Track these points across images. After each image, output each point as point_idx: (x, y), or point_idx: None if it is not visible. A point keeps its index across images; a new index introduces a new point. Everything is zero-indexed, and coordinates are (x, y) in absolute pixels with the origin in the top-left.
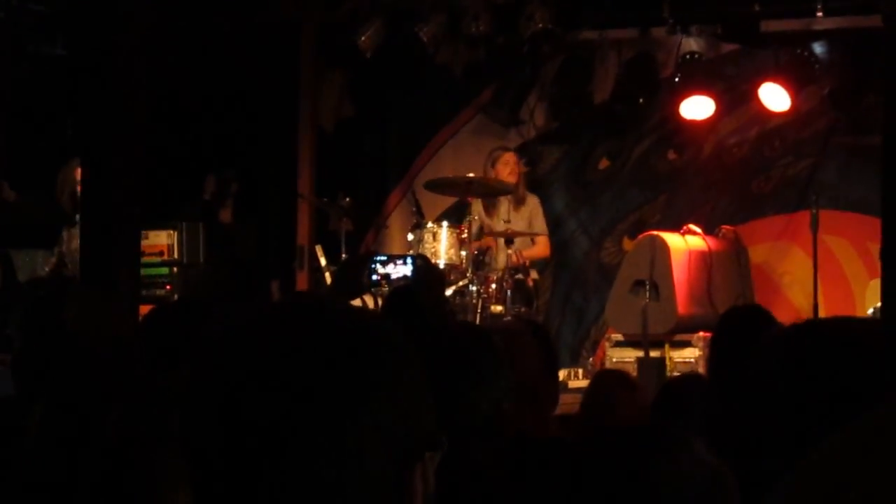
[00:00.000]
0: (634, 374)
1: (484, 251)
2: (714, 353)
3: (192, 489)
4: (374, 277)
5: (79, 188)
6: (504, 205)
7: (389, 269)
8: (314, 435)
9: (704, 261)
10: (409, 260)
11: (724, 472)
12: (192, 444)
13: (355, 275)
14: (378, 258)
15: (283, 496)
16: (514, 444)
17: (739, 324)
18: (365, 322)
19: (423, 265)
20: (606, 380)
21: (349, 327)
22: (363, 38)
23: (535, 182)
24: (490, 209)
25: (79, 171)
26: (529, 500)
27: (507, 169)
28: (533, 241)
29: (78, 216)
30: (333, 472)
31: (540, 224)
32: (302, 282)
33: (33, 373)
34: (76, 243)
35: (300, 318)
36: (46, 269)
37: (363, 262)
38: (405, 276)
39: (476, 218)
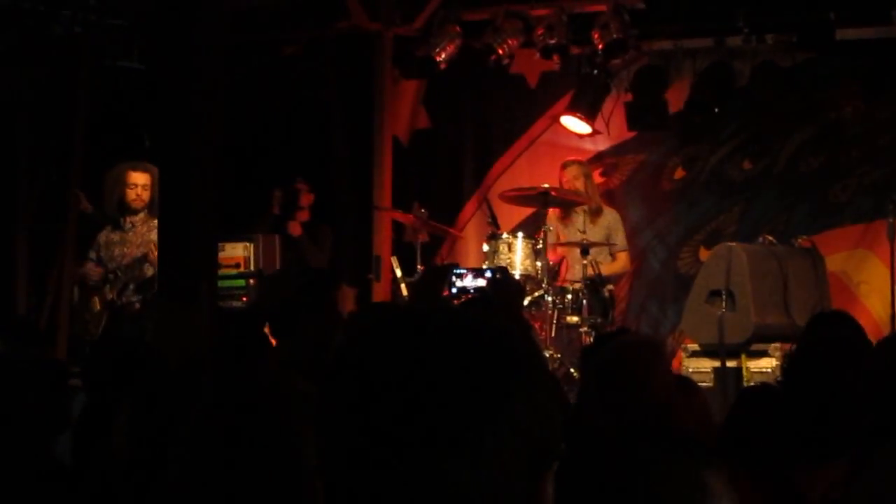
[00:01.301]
0: (712, 384)
1: (559, 262)
2: (797, 357)
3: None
4: (453, 290)
5: (127, 190)
6: (580, 216)
7: (468, 281)
8: (456, 436)
9: (781, 270)
10: (487, 272)
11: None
12: (332, 446)
13: (433, 286)
14: (457, 270)
15: (425, 497)
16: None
17: (825, 329)
18: (503, 329)
19: (503, 277)
20: None
21: (489, 334)
22: (438, 49)
23: (610, 192)
24: (566, 220)
25: (132, 174)
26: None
27: (568, 184)
28: (613, 256)
29: (123, 219)
30: (474, 474)
31: (620, 238)
32: (378, 293)
33: (109, 383)
34: (121, 250)
35: (441, 324)
36: (83, 270)
37: (442, 274)
38: (482, 289)
39: (552, 229)
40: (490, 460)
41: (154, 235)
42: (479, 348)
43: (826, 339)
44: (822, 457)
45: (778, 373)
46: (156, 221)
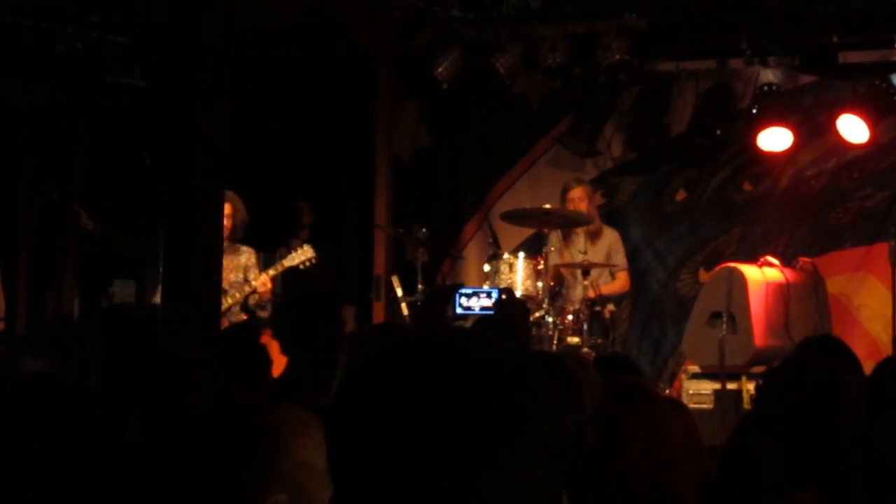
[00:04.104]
0: (712, 406)
1: (560, 282)
2: (765, 382)
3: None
4: (457, 310)
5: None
6: (581, 237)
7: (473, 301)
8: (492, 455)
9: (782, 293)
10: (493, 293)
11: None
12: (354, 454)
13: (437, 307)
14: (462, 291)
15: None
16: None
17: (815, 355)
18: (527, 351)
19: (508, 298)
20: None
21: (515, 356)
22: (440, 69)
23: (611, 213)
24: (567, 241)
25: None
26: None
27: (572, 204)
28: (613, 276)
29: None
30: (508, 490)
31: (620, 258)
32: (378, 312)
33: (124, 393)
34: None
35: (473, 348)
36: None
37: (446, 295)
38: (487, 309)
39: (553, 249)
40: (522, 477)
41: (244, 259)
42: (508, 370)
43: (797, 363)
44: (794, 483)
45: None
46: (238, 246)
